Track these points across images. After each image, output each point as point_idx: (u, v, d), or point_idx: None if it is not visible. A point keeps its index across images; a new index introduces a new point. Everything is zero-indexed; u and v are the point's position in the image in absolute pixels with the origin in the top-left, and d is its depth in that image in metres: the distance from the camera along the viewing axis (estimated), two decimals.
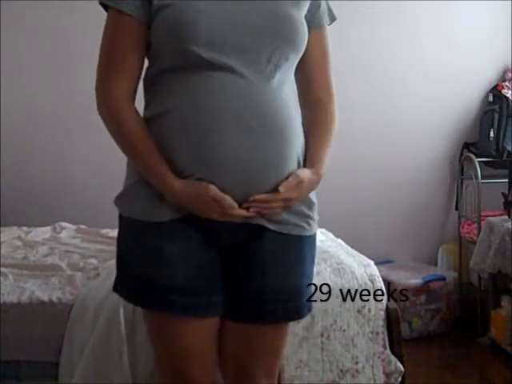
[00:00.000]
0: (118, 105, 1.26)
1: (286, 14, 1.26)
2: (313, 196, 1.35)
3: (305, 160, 1.31)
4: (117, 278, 1.33)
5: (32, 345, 1.87)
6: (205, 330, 1.30)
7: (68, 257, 2.51)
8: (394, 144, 3.54)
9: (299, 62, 1.33)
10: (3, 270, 2.22)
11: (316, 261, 2.17)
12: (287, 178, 1.25)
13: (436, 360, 2.93)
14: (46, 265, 2.37)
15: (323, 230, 2.76)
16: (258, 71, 1.23)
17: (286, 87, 1.29)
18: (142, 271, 1.26)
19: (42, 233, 2.99)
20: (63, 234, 2.98)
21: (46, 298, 1.93)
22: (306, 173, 1.28)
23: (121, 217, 1.32)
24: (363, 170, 3.49)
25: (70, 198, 3.52)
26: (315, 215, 1.35)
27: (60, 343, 1.85)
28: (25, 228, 3.08)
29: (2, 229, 3.01)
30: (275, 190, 1.24)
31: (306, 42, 1.30)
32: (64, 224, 3.12)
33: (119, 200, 1.33)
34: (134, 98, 1.29)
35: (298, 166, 1.29)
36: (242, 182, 1.22)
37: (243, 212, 1.23)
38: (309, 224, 1.33)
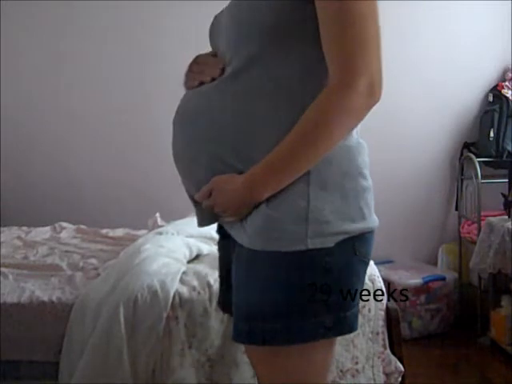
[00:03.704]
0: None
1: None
2: (274, 208, 1.09)
3: None
4: None
5: (32, 345, 1.87)
6: None
7: (68, 257, 2.51)
8: (394, 144, 3.54)
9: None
10: (3, 270, 2.22)
11: None
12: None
13: (436, 360, 2.92)
14: (46, 265, 2.37)
15: None
16: None
17: (227, 80, 1.14)
18: None
19: (42, 233, 2.99)
20: (63, 234, 2.98)
21: (46, 298, 1.93)
22: (223, 179, 1.12)
23: None
24: None
25: (70, 198, 3.52)
26: (271, 230, 1.09)
27: (60, 343, 1.85)
28: (25, 228, 3.08)
29: (2, 229, 3.01)
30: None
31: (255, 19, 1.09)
32: (64, 224, 3.12)
33: None
34: None
35: (239, 170, 1.11)
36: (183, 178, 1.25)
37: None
38: (261, 237, 1.10)
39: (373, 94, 1.04)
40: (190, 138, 1.17)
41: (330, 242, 1.09)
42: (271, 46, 1.09)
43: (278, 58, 1.10)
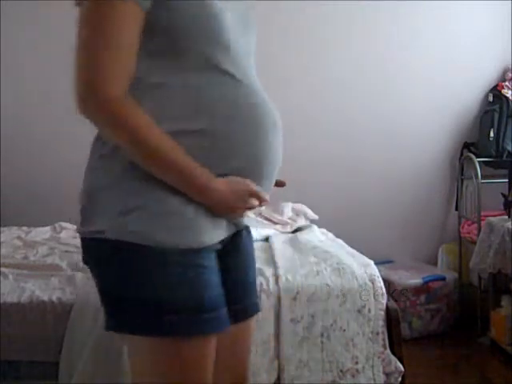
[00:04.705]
0: (124, 106, 1.08)
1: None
2: None
3: None
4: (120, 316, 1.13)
5: (32, 345, 1.87)
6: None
7: (68, 257, 2.51)
8: (394, 144, 3.54)
9: None
10: (3, 270, 2.22)
11: (316, 260, 2.18)
12: None
13: (436, 360, 2.92)
14: (46, 265, 2.37)
15: (323, 230, 2.76)
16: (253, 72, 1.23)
17: None
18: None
19: (42, 233, 2.99)
20: (63, 234, 2.98)
21: (46, 298, 1.93)
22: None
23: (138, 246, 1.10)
24: (363, 170, 3.49)
25: (70, 198, 3.50)
26: None
27: (60, 343, 1.85)
28: (25, 228, 3.08)
29: (2, 229, 3.01)
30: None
31: None
32: (64, 224, 3.12)
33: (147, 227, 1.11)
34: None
35: None
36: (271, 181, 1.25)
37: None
38: None
39: None
40: (280, 147, 1.24)
41: None
42: None
43: None
